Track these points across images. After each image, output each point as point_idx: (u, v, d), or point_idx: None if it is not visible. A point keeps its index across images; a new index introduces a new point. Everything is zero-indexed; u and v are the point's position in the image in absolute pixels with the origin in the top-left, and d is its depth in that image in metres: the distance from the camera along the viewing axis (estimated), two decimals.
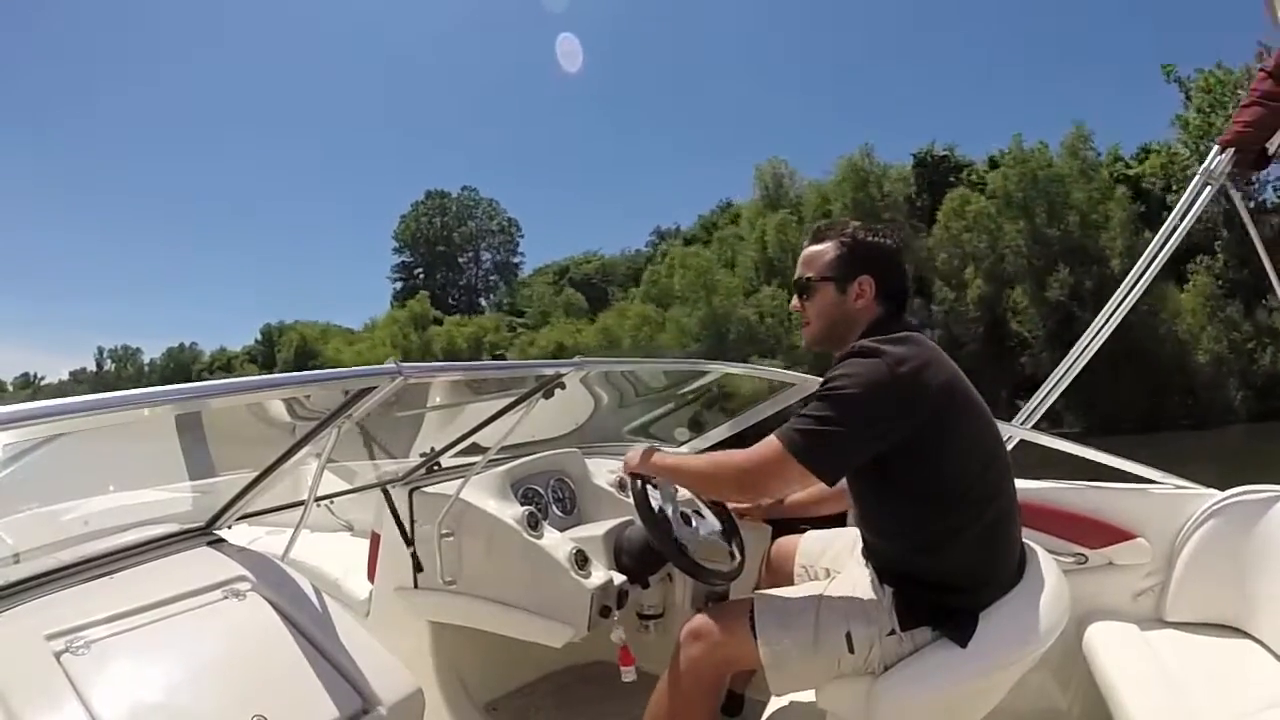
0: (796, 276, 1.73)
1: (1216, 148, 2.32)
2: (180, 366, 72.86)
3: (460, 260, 66.53)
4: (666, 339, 30.64)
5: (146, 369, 78.72)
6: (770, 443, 1.49)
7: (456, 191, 69.07)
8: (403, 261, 67.40)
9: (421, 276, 65.48)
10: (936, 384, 1.48)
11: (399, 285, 65.90)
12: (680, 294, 32.16)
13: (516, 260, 67.23)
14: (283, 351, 59.88)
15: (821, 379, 1.53)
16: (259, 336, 68.39)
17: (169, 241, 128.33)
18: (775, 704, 1.92)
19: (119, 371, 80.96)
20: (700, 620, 1.63)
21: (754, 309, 29.90)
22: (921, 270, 26.68)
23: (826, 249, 1.68)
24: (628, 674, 1.86)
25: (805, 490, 2.13)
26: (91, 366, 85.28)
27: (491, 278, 67.19)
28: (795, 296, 1.73)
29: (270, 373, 57.14)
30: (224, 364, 67.36)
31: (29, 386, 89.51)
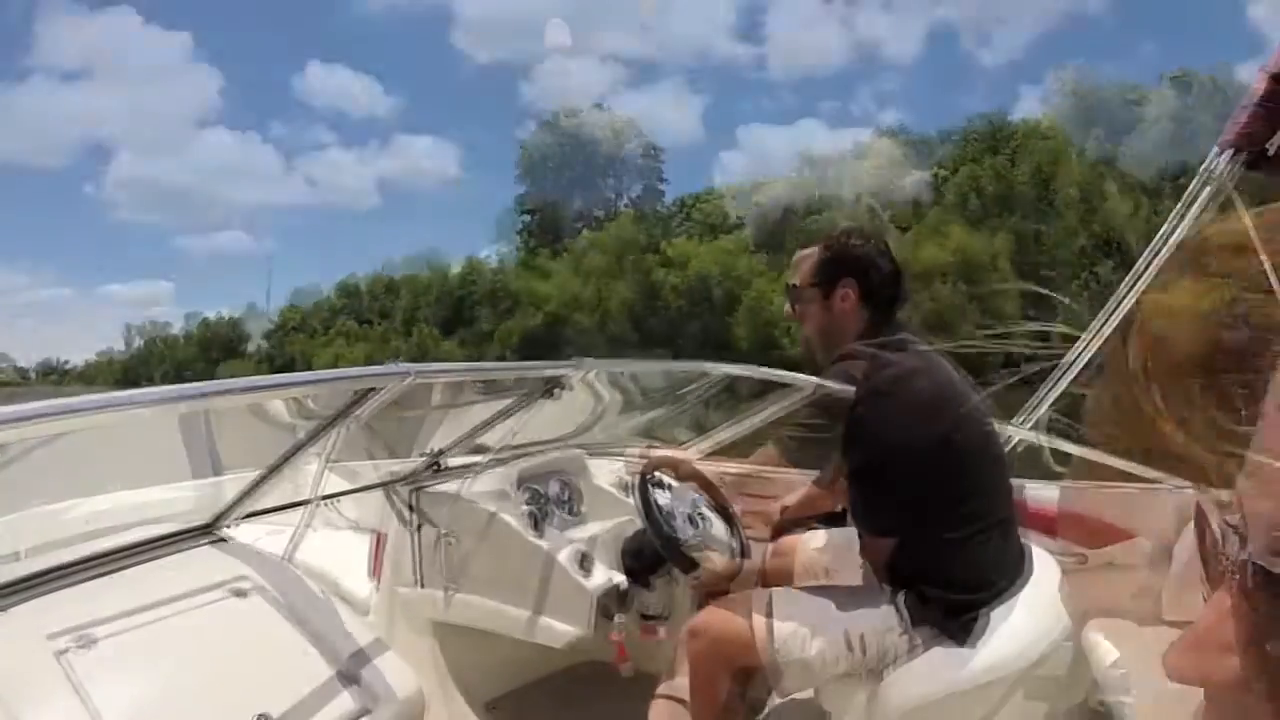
0: (787, 283, 1.76)
1: (1215, 149, 2.32)
2: (218, 338, 61.07)
3: (601, 188, 57.23)
4: None
5: (182, 341, 67.46)
6: None
7: (586, 110, 58.93)
8: (525, 192, 57.74)
9: (549, 209, 56.55)
10: (928, 387, 1.51)
11: (526, 218, 56.95)
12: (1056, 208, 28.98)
13: (661, 188, 57.50)
14: (403, 300, 50.16)
15: (817, 380, 1.57)
16: (331, 293, 56.78)
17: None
18: (776, 702, 1.92)
19: (149, 348, 70.86)
20: (702, 619, 1.64)
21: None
22: None
23: (811, 254, 1.72)
24: (626, 669, 1.87)
25: (799, 493, 2.15)
26: (120, 346, 75.75)
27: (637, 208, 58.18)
28: (787, 303, 1.76)
29: (371, 326, 50.06)
30: (298, 322, 55.80)
31: (53, 373, 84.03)
